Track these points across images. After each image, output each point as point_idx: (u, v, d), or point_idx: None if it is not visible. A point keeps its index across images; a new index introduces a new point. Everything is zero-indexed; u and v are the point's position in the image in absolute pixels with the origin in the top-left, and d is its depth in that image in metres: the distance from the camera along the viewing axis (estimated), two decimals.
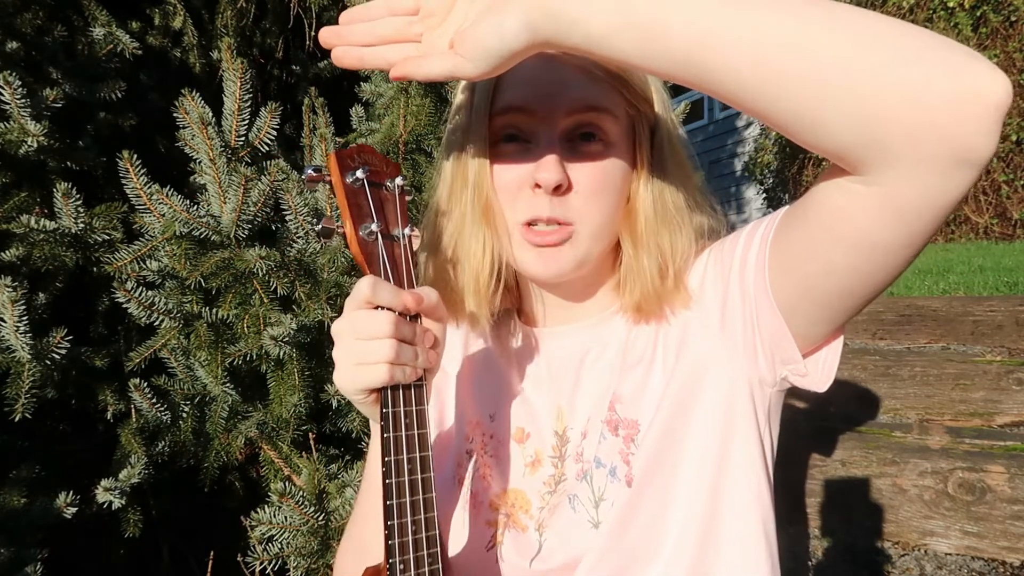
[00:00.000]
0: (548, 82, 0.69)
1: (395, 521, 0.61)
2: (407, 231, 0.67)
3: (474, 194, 0.74)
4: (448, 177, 0.78)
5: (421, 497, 0.62)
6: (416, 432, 0.63)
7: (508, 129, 0.72)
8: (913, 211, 0.53)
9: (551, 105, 0.70)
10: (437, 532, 0.63)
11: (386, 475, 0.61)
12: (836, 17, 0.49)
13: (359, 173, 0.64)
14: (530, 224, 0.72)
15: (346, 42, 0.61)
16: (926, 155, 0.49)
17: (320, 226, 0.65)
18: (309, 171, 0.65)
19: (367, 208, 0.65)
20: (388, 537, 0.60)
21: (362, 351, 0.61)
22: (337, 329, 0.62)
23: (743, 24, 0.50)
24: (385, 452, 0.61)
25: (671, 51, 0.52)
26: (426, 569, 0.62)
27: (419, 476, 0.62)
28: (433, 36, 0.60)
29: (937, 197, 0.51)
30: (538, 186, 0.69)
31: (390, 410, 0.62)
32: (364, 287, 0.60)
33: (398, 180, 0.67)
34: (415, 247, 0.67)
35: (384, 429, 0.62)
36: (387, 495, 0.61)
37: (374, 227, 0.64)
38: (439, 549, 0.63)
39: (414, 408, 0.63)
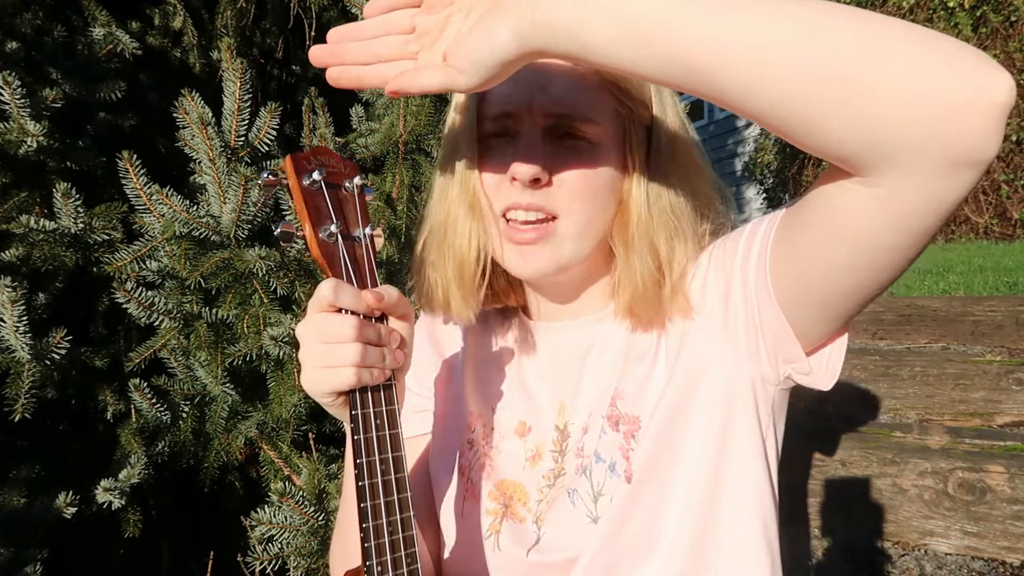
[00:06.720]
0: (529, 83, 0.70)
1: (370, 523, 0.60)
2: (368, 231, 0.66)
3: (461, 188, 0.75)
4: (440, 175, 0.79)
5: (396, 498, 0.62)
6: (388, 433, 0.62)
7: (495, 127, 0.73)
8: (917, 211, 0.52)
9: (530, 106, 0.70)
10: (414, 532, 0.62)
11: (359, 477, 0.60)
12: (837, 19, 0.48)
13: (316, 175, 0.64)
14: (510, 214, 0.72)
15: (341, 61, 0.60)
16: (930, 157, 0.48)
17: (279, 230, 0.63)
18: (265, 175, 0.64)
19: (326, 210, 0.64)
20: (364, 540, 0.60)
21: (327, 354, 0.60)
22: (301, 331, 0.62)
23: (744, 29, 0.49)
24: (357, 455, 0.61)
25: (670, 58, 0.51)
26: (404, 570, 0.61)
27: (393, 476, 0.62)
28: (429, 53, 0.59)
29: (941, 197, 0.51)
30: (515, 179, 0.70)
31: (359, 412, 0.61)
32: (325, 290, 0.60)
33: (356, 180, 0.67)
34: (378, 247, 0.67)
35: (355, 431, 0.61)
36: (361, 497, 0.60)
37: (333, 228, 0.63)
38: (416, 548, 0.62)
39: (384, 409, 0.63)
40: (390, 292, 0.64)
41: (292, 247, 1.52)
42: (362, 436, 0.61)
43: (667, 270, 0.73)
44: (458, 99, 0.78)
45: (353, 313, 0.61)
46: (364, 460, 0.61)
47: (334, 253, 0.63)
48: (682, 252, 0.73)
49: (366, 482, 0.60)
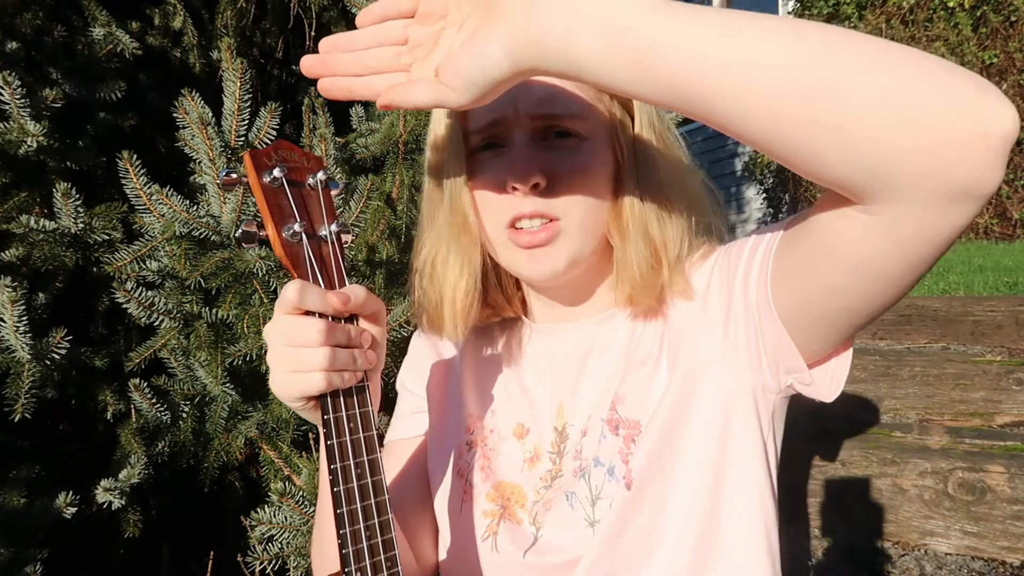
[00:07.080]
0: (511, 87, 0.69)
1: (347, 529, 0.58)
2: (334, 228, 0.64)
3: (451, 210, 0.74)
4: (428, 200, 0.79)
5: (373, 501, 0.60)
6: (362, 436, 0.61)
7: (483, 139, 0.72)
8: (914, 240, 0.52)
9: (515, 109, 0.70)
10: (393, 535, 0.61)
11: (334, 483, 0.59)
12: (831, 45, 0.47)
13: (276, 172, 0.61)
14: (515, 224, 0.71)
15: (332, 72, 0.59)
16: (925, 188, 0.47)
17: (240, 231, 0.61)
18: (224, 174, 0.61)
19: (288, 208, 0.62)
20: (342, 546, 0.58)
21: (295, 359, 0.58)
22: (268, 334, 0.60)
23: (734, 51, 0.48)
24: (331, 460, 0.59)
25: (661, 78, 0.50)
26: (384, 574, 0.60)
27: (369, 480, 0.60)
28: (422, 66, 0.58)
29: (940, 229, 0.50)
30: (515, 188, 0.69)
31: (331, 416, 0.60)
32: (291, 292, 0.58)
33: (320, 175, 0.64)
34: (346, 243, 0.65)
35: (327, 436, 0.59)
36: (337, 503, 0.58)
37: (297, 227, 0.61)
38: (397, 552, 0.61)
39: (357, 411, 0.61)
40: (357, 292, 0.62)
41: None
42: (335, 440, 0.59)
43: (662, 252, 0.73)
44: (437, 120, 0.76)
45: (321, 315, 0.60)
46: (339, 465, 0.59)
47: (299, 253, 0.62)
48: (674, 231, 0.73)
49: (341, 487, 0.59)
